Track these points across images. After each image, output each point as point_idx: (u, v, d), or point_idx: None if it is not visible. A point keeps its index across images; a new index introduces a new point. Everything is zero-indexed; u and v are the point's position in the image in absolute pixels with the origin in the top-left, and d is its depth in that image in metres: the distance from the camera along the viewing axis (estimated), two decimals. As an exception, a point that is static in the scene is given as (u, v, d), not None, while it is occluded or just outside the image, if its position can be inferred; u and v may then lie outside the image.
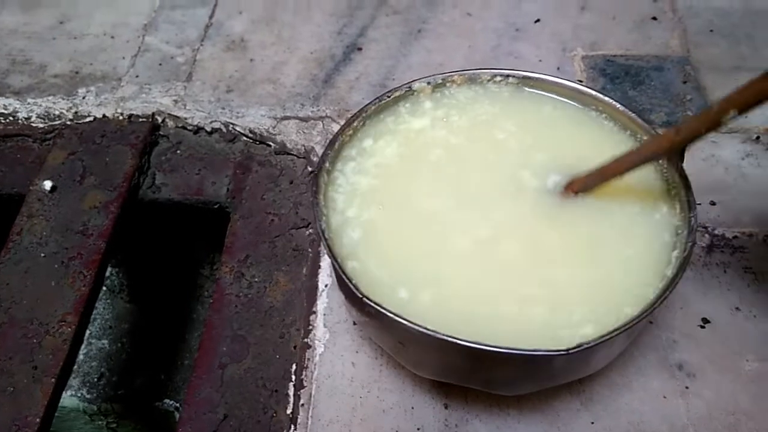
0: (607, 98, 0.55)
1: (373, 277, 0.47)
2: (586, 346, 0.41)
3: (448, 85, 0.57)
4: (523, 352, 0.41)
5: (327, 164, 0.52)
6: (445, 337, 0.41)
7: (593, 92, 0.56)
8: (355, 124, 0.55)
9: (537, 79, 0.57)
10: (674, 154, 0.49)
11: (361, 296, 0.43)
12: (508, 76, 0.57)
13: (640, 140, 0.54)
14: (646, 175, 0.52)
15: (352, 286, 0.44)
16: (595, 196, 0.50)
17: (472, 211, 0.50)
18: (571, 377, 0.49)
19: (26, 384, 0.54)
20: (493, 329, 0.44)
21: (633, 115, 0.53)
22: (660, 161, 0.52)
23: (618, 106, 0.54)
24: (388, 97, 0.56)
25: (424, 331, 0.41)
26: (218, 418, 0.52)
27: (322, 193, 0.51)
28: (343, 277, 0.45)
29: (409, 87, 0.56)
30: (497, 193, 0.52)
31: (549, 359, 0.42)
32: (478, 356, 0.42)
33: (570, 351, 0.41)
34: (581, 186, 0.50)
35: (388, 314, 0.42)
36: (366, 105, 0.55)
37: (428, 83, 0.57)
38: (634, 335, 0.50)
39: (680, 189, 0.49)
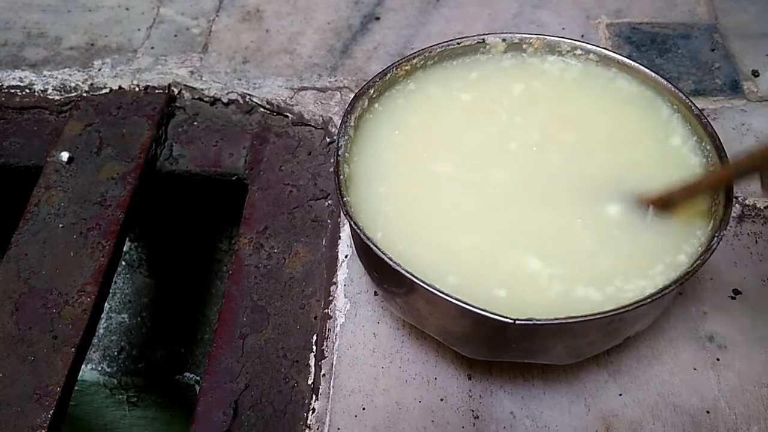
0: (684, 96, 0.51)
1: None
2: (536, 321, 0.39)
3: (524, 46, 0.56)
4: (471, 308, 0.39)
5: (372, 91, 0.51)
6: (402, 271, 0.41)
7: (673, 88, 0.52)
8: (414, 61, 0.54)
9: (618, 61, 0.54)
10: None
11: (341, 197, 0.44)
12: (588, 51, 0.55)
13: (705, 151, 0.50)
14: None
15: (339, 196, 0.45)
16: None
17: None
18: (554, 357, 0.46)
19: (46, 354, 0.54)
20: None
21: (707, 122, 0.50)
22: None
23: (693, 108, 0.51)
24: (458, 44, 0.54)
25: (386, 259, 0.42)
26: (239, 387, 0.52)
27: (357, 114, 0.50)
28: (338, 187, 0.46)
29: (482, 39, 0.55)
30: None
31: (501, 325, 0.40)
32: (434, 301, 0.42)
33: (516, 321, 0.39)
34: (662, 203, 0.47)
35: (364, 238, 0.43)
36: (431, 46, 0.54)
37: (503, 40, 0.55)
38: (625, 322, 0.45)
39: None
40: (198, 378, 0.79)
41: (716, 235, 0.44)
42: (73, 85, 0.73)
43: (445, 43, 0.55)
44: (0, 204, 0.72)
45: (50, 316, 0.55)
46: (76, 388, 0.55)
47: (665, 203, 0.47)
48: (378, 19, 0.79)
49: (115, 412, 0.85)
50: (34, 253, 0.59)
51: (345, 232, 0.60)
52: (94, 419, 0.87)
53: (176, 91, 0.72)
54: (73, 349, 0.54)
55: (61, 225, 0.61)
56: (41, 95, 0.72)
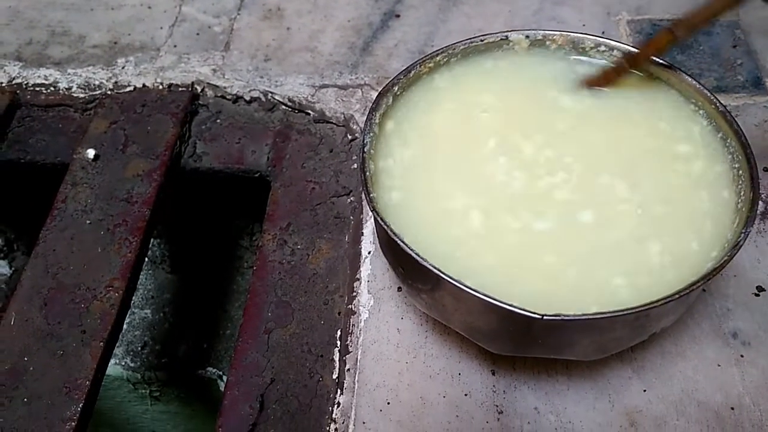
0: (709, 93, 0.51)
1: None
2: (564, 317, 0.39)
3: (548, 43, 0.56)
4: (499, 303, 0.40)
5: (396, 88, 0.52)
6: (430, 267, 0.41)
7: (706, 91, 0.51)
8: (438, 58, 0.54)
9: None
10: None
11: (368, 193, 0.45)
12: (612, 48, 0.55)
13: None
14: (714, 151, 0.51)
15: (366, 192, 0.46)
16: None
17: None
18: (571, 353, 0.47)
19: (75, 348, 0.54)
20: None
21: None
22: None
23: (718, 105, 0.50)
24: (481, 41, 0.55)
25: (413, 255, 0.42)
26: (265, 382, 0.52)
27: (381, 112, 0.51)
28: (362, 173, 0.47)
29: (506, 36, 0.55)
30: None
31: (528, 321, 0.40)
32: (461, 297, 0.42)
33: (544, 317, 0.39)
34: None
35: (391, 234, 0.43)
36: (455, 43, 0.55)
37: (526, 36, 0.56)
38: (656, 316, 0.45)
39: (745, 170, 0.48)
40: (220, 373, 0.80)
41: (742, 232, 0.44)
42: (97, 83, 0.74)
43: (468, 40, 0.55)
44: (27, 201, 0.73)
45: (79, 311, 0.56)
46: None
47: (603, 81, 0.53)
48: (398, 16, 0.80)
49: (137, 406, 0.86)
50: (62, 249, 0.60)
51: (368, 229, 0.61)
52: (117, 413, 0.88)
53: (199, 89, 0.73)
54: (101, 344, 0.55)
55: (88, 221, 0.62)
56: (66, 93, 0.73)
